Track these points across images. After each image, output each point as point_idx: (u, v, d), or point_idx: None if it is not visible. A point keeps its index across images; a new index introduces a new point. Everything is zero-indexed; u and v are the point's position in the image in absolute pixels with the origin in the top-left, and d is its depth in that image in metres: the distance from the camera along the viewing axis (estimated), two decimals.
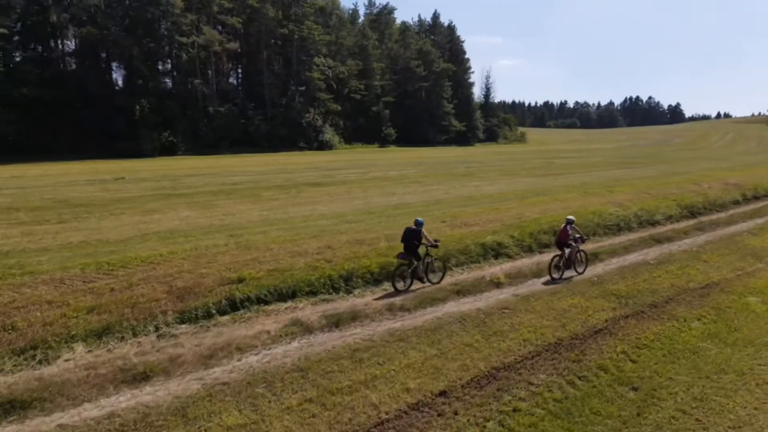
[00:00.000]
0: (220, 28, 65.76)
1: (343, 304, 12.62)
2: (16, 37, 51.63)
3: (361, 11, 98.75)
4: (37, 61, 52.81)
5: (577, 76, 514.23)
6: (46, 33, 53.60)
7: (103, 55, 57.94)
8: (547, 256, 17.90)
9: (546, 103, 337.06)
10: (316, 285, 13.20)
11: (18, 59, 51.66)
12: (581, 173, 38.65)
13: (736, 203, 30.30)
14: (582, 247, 16.10)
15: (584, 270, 15.97)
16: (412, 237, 13.92)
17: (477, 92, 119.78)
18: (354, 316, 11.74)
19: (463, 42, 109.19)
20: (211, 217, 19.16)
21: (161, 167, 39.24)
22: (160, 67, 59.73)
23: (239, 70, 75.79)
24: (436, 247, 14.32)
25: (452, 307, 12.70)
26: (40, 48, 54.23)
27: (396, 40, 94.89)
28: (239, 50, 69.60)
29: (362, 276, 14.11)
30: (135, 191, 25.34)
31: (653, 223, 23.81)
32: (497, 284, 14.44)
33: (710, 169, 44.62)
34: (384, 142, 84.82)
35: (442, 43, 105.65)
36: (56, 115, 53.22)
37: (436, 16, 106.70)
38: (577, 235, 15.83)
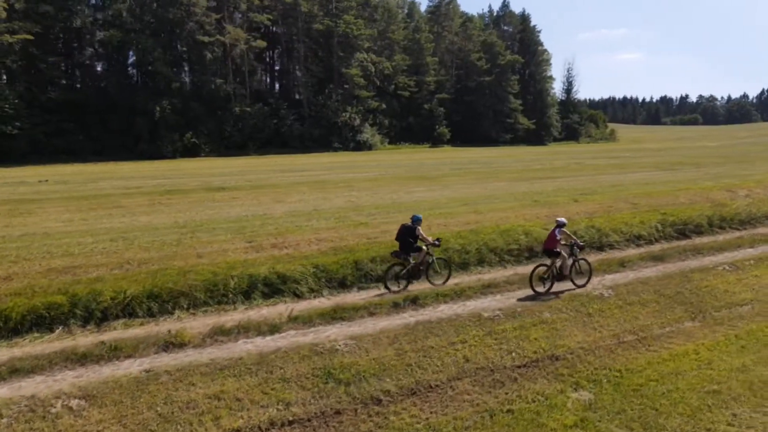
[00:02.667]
0: (254, 25, 64.00)
1: None
2: (45, 43, 53.19)
3: (423, 5, 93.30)
4: (63, 65, 54.27)
5: (706, 67, 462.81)
6: (72, 37, 54.88)
7: (127, 57, 58.46)
8: (364, 294, 12.78)
9: (663, 98, 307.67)
10: None
11: (45, 64, 53.16)
12: (585, 176, 31.20)
13: None
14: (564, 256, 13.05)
15: (586, 283, 13.14)
16: (407, 234, 12.73)
17: (558, 87, 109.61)
18: None
19: (539, 32, 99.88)
20: None
21: (123, 170, 37.48)
22: (184, 68, 59.15)
23: (275, 69, 74.07)
24: (437, 246, 13.18)
25: None
26: (66, 52, 55.65)
27: (456, 32, 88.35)
28: (275, 47, 67.84)
29: None
30: (3, 195, 23.16)
31: (601, 247, 17.29)
32: (168, 347, 9.63)
33: None
34: (436, 141, 78.90)
35: (513, 33, 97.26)
36: (82, 117, 54.16)
37: (505, 5, 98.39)
38: (572, 242, 13.14)
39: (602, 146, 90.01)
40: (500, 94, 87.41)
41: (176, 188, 25.11)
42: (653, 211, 20.51)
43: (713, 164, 40.23)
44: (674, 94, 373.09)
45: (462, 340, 10.20)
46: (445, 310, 11.73)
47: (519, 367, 9.51)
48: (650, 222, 19.15)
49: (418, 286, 13.18)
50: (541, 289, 12.60)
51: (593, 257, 16.08)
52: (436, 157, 55.58)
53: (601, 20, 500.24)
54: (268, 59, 72.51)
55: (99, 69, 57.94)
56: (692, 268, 15.04)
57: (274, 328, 10.53)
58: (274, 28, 67.57)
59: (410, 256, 12.87)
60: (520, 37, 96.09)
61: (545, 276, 12.71)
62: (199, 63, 59.90)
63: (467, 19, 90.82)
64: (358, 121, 67.53)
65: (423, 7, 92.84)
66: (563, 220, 13.26)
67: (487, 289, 13.02)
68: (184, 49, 59.05)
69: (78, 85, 54.64)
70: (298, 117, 65.46)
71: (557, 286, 12.87)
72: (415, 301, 12.01)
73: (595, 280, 13.81)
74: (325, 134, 65.96)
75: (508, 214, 18.79)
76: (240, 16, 62.20)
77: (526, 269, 13.81)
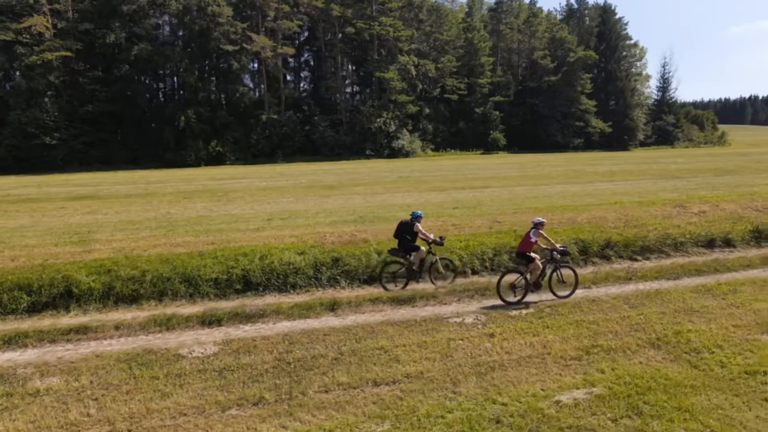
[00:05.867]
0: (286, 33, 63.54)
1: None
2: (85, 58, 56.70)
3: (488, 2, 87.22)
4: (99, 78, 57.29)
5: None
6: (111, 52, 57.96)
7: (158, 69, 60.44)
8: None
9: None
10: None
11: (86, 79, 56.53)
12: (542, 186, 25.60)
13: (710, 245, 16.20)
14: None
15: (570, 294, 11.69)
16: (405, 232, 12.20)
17: (653, 85, 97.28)
18: None
19: (626, 24, 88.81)
20: None
21: (92, 179, 38.01)
22: (211, 78, 60.04)
23: (312, 75, 72.90)
24: (439, 245, 12.47)
25: None
26: (104, 67, 58.72)
27: (520, 29, 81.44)
28: (311, 53, 66.91)
29: None
30: None
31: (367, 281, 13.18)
32: None
33: None
34: (490, 147, 72.81)
35: (591, 27, 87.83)
36: (117, 128, 57.18)
37: None
38: (550, 246, 11.66)
39: (681, 151, 77.35)
40: (570, 95, 78.92)
41: (43, 197, 24.32)
42: (510, 232, 15.65)
43: (751, 171, 31.87)
44: None
45: None
46: None
47: None
48: (481, 248, 14.48)
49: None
50: (511, 298, 11.39)
51: (318, 294, 12.22)
52: (427, 165, 50.48)
53: (760, 10, 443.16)
54: (303, 65, 71.87)
55: (132, 81, 60.37)
56: (408, 319, 10.62)
57: None
58: (315, 33, 66.65)
59: (409, 254, 12.27)
60: (599, 31, 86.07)
61: (516, 283, 11.40)
62: (226, 72, 60.57)
63: (532, 14, 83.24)
64: (393, 127, 64.17)
65: (486, 6, 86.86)
66: (541, 219, 11.75)
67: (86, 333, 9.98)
68: (211, 58, 59.94)
69: (112, 98, 57.38)
70: (331, 124, 63.83)
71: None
72: None
73: (219, 332, 10.15)
74: (358, 141, 63.53)
75: (285, 232, 15.21)
76: (270, 24, 61.80)
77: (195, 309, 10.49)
